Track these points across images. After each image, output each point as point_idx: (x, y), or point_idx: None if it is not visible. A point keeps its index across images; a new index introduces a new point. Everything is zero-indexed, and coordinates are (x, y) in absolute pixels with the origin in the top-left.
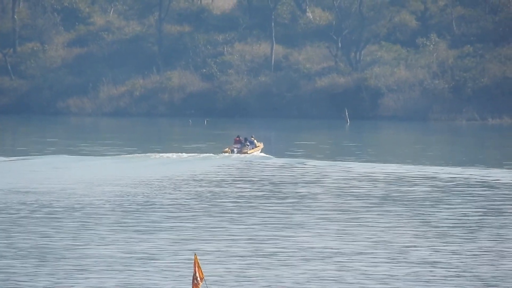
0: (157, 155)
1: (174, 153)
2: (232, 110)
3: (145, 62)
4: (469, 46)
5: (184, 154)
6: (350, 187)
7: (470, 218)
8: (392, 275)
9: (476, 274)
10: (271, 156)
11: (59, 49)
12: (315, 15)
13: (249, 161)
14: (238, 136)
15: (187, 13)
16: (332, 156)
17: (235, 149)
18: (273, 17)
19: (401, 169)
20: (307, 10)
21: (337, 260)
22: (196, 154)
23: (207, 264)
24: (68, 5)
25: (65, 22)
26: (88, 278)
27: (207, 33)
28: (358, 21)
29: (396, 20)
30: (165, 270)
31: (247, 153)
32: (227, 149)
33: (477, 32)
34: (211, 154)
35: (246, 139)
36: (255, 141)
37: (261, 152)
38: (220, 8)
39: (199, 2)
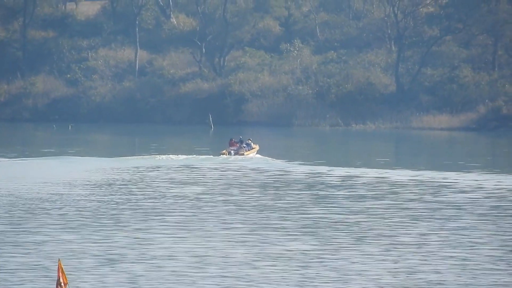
0: (158, 157)
1: (171, 155)
2: (96, 115)
3: (9, 67)
4: (332, 52)
5: (180, 156)
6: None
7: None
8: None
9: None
10: (268, 158)
11: None
12: (179, 21)
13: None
14: (231, 139)
15: (51, 19)
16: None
17: (232, 151)
18: (137, 22)
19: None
20: (171, 16)
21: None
22: (194, 156)
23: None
24: None
25: None
26: None
27: (71, 39)
28: (222, 27)
29: (260, 26)
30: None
31: (244, 155)
32: (224, 151)
33: (340, 38)
34: (210, 156)
35: (242, 141)
36: (252, 143)
37: (256, 154)
38: (85, 13)
39: (63, 7)
